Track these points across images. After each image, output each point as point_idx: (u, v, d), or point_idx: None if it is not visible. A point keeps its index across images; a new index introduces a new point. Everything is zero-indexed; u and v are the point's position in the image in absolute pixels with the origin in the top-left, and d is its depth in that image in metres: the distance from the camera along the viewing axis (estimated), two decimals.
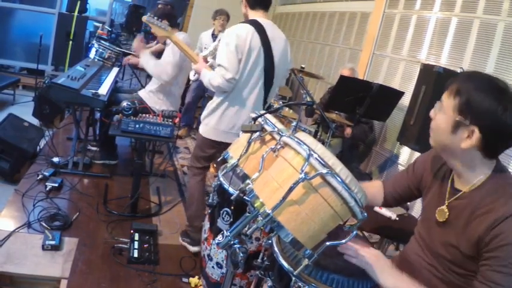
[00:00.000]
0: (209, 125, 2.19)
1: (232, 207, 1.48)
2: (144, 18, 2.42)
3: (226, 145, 2.20)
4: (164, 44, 2.93)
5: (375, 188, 1.47)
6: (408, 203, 2.79)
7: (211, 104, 2.19)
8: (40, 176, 2.69)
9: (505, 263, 0.94)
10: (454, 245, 1.07)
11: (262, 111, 1.44)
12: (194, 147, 2.40)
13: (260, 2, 2.13)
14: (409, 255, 1.28)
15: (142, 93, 3.02)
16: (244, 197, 1.12)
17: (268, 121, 1.37)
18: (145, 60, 2.84)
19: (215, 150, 2.23)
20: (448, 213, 1.11)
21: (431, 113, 1.11)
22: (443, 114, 1.05)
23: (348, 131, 3.23)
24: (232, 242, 1.10)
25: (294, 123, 1.41)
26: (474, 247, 1.01)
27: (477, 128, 0.98)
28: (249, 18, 2.13)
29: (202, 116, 2.25)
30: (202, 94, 4.48)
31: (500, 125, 0.97)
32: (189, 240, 2.36)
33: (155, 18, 2.42)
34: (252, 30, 2.04)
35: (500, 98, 0.96)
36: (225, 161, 1.49)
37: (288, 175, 0.97)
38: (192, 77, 4.00)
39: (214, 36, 4.28)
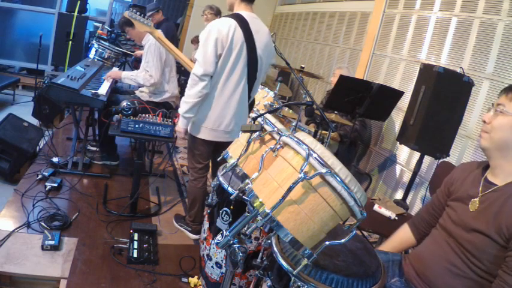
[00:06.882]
0: (196, 124, 2.18)
1: (231, 207, 1.48)
2: (126, 14, 2.41)
3: (216, 143, 2.21)
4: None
5: (403, 233, 1.54)
6: (408, 203, 2.81)
7: None
8: (40, 176, 2.69)
9: None
10: (483, 231, 1.14)
11: (262, 111, 1.44)
12: (187, 150, 2.36)
13: None
14: (426, 254, 1.32)
15: (142, 94, 3.02)
16: (244, 197, 1.12)
17: (267, 121, 1.37)
18: (125, 74, 2.98)
19: (208, 147, 2.24)
20: (479, 204, 1.20)
21: (487, 118, 1.23)
22: (506, 116, 1.17)
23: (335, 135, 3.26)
24: (231, 242, 1.10)
25: (294, 123, 1.42)
26: (504, 234, 1.09)
27: None
28: (234, 10, 2.10)
29: None
30: None
31: None
32: (190, 229, 2.44)
33: (138, 13, 2.41)
34: (235, 25, 1.99)
35: None
36: (224, 160, 1.49)
37: (288, 175, 0.97)
38: None
39: None
